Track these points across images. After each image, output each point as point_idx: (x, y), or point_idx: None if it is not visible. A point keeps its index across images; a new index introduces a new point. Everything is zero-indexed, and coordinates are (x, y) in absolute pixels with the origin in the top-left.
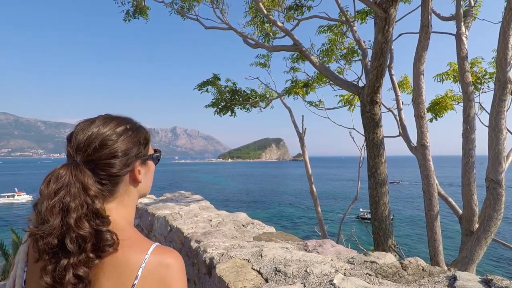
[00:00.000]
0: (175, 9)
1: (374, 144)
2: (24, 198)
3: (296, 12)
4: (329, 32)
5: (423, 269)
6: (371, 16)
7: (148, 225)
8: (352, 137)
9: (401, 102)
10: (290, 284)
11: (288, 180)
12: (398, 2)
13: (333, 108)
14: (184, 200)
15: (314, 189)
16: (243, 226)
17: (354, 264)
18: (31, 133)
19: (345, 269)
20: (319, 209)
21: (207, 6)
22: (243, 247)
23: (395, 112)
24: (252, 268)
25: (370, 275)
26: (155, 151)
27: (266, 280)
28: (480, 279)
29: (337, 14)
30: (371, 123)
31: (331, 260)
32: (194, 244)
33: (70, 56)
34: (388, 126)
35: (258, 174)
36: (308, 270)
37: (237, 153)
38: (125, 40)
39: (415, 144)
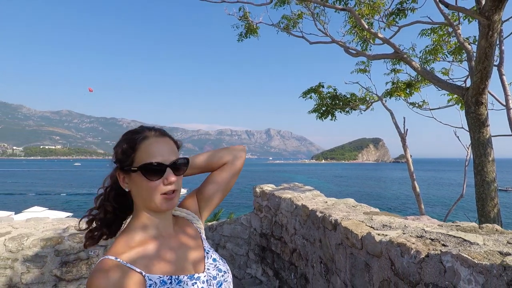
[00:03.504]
0: (281, 28)
1: (480, 143)
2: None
3: (398, 16)
4: (433, 34)
5: (496, 230)
6: None
7: (275, 205)
8: (457, 136)
9: (510, 102)
10: (393, 230)
11: (387, 183)
12: (502, 9)
13: (438, 108)
14: (299, 189)
15: (417, 185)
16: (353, 206)
17: (442, 227)
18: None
19: (434, 228)
20: (422, 206)
21: (308, 20)
22: (357, 215)
23: None
24: (366, 225)
25: (452, 229)
26: (146, 165)
27: (376, 230)
28: None
29: (441, 16)
30: (476, 123)
31: (425, 223)
32: (319, 214)
33: (201, 74)
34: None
35: (354, 176)
36: (406, 225)
37: (331, 154)
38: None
39: None
